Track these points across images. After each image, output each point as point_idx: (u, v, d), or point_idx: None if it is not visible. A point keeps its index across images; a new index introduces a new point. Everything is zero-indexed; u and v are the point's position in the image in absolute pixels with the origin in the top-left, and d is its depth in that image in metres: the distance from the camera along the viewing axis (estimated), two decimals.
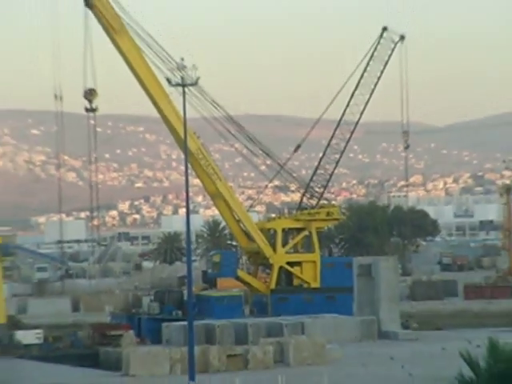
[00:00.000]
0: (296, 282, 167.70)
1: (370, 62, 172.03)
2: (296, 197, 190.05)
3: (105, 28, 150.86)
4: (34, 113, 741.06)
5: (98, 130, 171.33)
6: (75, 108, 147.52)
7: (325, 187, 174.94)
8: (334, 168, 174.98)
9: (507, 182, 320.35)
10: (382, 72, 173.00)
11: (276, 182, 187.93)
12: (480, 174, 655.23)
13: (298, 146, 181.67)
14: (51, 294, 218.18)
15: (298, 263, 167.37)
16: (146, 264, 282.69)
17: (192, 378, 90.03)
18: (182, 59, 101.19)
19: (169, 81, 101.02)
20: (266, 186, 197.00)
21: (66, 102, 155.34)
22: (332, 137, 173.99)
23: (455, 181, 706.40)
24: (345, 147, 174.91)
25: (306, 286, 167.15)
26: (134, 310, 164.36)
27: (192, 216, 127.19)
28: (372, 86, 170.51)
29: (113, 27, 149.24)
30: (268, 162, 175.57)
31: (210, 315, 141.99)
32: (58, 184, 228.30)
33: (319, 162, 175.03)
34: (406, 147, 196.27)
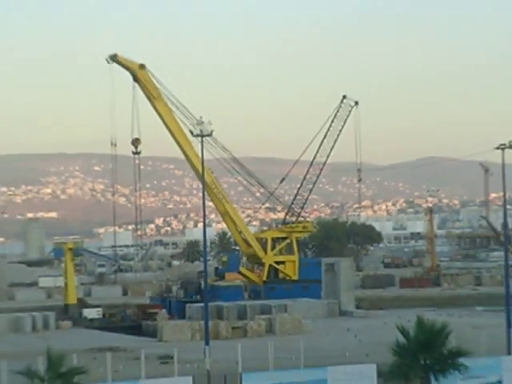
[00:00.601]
0: (281, 275, 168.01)
1: (334, 120, 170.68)
2: (281, 215, 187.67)
3: (146, 95, 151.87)
4: (96, 155, 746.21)
5: (142, 167, 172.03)
6: (125, 151, 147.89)
7: (302, 208, 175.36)
8: (308, 195, 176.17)
9: (430, 205, 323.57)
10: (342, 127, 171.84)
11: (267, 205, 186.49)
12: (411, 199, 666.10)
13: (283, 179, 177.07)
14: (108, 283, 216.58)
15: (283, 262, 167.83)
16: (175, 262, 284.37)
17: (207, 343, 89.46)
18: (201, 117, 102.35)
19: (191, 132, 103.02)
20: (260, 207, 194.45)
21: (119, 147, 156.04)
22: (307, 173, 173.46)
23: (394, 204, 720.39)
24: (316, 180, 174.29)
25: (288, 278, 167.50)
26: (165, 294, 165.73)
27: (207, 229, 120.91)
28: (335, 137, 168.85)
29: (152, 95, 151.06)
30: (261, 191, 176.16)
31: (219, 299, 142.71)
32: (112, 205, 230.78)
33: (298, 191, 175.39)
34: (359, 180, 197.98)
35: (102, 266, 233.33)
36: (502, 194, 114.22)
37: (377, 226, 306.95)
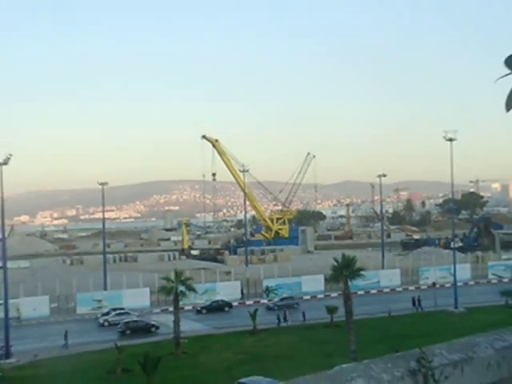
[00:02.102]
0: (280, 235, 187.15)
1: (303, 166, 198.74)
2: (279, 208, 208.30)
3: (219, 153, 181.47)
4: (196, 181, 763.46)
5: (216, 186, 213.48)
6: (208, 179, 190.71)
7: (289, 204, 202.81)
8: (292, 197, 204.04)
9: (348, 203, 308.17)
10: (306, 170, 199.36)
11: (273, 203, 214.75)
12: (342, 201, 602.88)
13: (280, 191, 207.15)
14: (202, 239, 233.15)
15: (281, 229, 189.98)
16: (232, 229, 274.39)
17: (246, 265, 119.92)
18: (244, 164, 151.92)
19: (246, 169, 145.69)
20: (270, 205, 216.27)
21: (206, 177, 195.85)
22: (291, 189, 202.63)
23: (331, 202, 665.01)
24: (296, 191, 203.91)
25: (283, 236, 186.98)
26: (228, 244, 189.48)
27: (246, 214, 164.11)
28: (302, 175, 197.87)
29: (219, 152, 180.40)
30: (269, 197, 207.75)
31: (253, 245, 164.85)
32: (203, 203, 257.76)
33: (287, 196, 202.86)
34: (316, 191, 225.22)
35: (199, 231, 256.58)
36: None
37: (324, 212, 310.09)
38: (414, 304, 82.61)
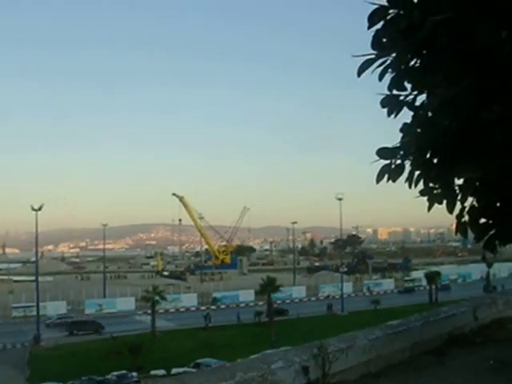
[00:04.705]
0: (224, 262, 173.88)
1: (241, 216, 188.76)
2: (224, 243, 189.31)
3: (183, 204, 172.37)
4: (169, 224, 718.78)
5: (183, 227, 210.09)
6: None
7: (231, 241, 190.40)
8: (233, 236, 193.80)
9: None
10: (242, 218, 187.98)
11: (220, 240, 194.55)
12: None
13: (225, 232, 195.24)
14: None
15: (225, 257, 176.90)
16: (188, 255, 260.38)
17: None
18: (200, 213, 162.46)
19: (202, 216, 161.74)
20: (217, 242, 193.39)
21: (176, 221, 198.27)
22: (232, 232, 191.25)
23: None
24: (235, 234, 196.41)
25: (227, 263, 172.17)
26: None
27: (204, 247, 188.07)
28: (240, 221, 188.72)
29: (184, 205, 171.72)
30: (217, 236, 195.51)
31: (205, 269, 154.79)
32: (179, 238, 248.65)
33: (230, 236, 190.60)
34: (249, 231, 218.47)
35: (169, 259, 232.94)
36: None
37: (254, 247, 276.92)
38: (328, 308, 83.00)
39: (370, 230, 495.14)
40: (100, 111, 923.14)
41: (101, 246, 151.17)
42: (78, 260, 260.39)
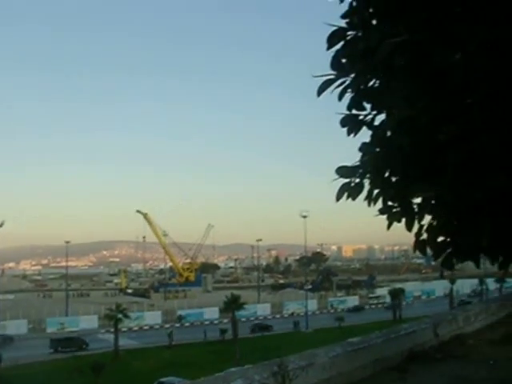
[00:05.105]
0: (189, 279, 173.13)
1: (205, 233, 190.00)
2: (189, 260, 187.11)
3: (147, 221, 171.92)
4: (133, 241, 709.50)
5: (147, 244, 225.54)
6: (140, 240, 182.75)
7: (196, 258, 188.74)
8: (198, 253, 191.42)
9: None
10: (207, 235, 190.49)
11: (185, 257, 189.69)
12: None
13: (189, 249, 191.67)
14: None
15: (189, 275, 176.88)
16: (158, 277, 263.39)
17: None
18: (164, 230, 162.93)
19: (166, 233, 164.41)
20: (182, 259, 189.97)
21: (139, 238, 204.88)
22: (196, 249, 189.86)
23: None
24: (199, 251, 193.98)
25: (191, 280, 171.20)
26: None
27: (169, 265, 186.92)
28: (205, 238, 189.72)
29: (148, 222, 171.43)
30: (182, 253, 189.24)
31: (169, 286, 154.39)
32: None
33: (194, 253, 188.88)
34: (214, 249, 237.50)
35: (133, 276, 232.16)
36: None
37: (219, 264, 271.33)
38: (295, 325, 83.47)
39: (334, 248, 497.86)
40: (62, 127, 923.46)
41: (64, 264, 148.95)
42: (39, 278, 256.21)
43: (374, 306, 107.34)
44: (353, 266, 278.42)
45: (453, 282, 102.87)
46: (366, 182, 4.38)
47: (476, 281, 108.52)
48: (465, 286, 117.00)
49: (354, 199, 4.40)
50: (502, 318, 14.26)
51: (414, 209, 4.39)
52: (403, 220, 4.42)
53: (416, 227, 4.42)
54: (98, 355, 59.14)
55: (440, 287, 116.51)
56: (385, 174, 4.35)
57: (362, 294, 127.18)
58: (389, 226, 4.48)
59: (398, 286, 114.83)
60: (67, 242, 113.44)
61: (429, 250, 4.55)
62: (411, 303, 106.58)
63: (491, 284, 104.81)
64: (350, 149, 4.80)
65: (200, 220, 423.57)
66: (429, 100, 3.74)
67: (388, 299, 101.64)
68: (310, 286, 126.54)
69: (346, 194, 4.38)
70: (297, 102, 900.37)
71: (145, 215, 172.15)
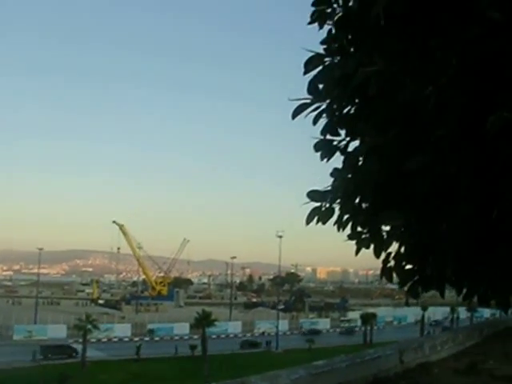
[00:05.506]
0: (161, 293, 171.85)
1: (180, 247, 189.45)
2: (162, 274, 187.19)
3: (123, 234, 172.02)
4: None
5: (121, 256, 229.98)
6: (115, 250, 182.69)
7: (169, 272, 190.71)
8: (172, 268, 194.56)
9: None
10: (182, 250, 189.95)
11: (158, 271, 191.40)
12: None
13: (164, 263, 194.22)
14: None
15: (162, 288, 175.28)
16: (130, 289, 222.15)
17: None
18: (139, 242, 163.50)
19: (141, 246, 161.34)
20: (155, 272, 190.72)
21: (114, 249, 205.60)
22: (170, 263, 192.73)
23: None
24: (173, 265, 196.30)
25: (164, 294, 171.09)
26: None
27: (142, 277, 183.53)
28: (179, 253, 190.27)
29: (124, 233, 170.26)
30: (156, 267, 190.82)
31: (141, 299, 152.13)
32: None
33: (168, 267, 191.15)
34: (189, 264, 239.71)
35: (105, 287, 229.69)
36: None
37: (193, 280, 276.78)
38: (266, 344, 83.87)
39: (309, 269, 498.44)
40: (36, 134, 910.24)
41: (35, 270, 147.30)
42: (10, 283, 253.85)
43: (331, 330, 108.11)
44: (326, 289, 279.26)
45: (425, 308, 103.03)
46: (337, 207, 4.41)
47: (448, 309, 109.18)
48: (437, 313, 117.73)
49: (324, 223, 4.42)
50: (469, 347, 14.35)
51: (382, 236, 4.43)
52: (371, 246, 4.46)
53: (384, 254, 4.47)
54: (64, 365, 58.58)
55: (412, 313, 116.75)
56: (355, 200, 4.38)
57: (334, 316, 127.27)
58: (357, 252, 4.50)
59: (371, 310, 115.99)
60: (40, 249, 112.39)
61: (395, 277, 4.60)
62: (382, 328, 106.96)
63: (463, 312, 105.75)
64: (323, 172, 4.83)
65: (176, 234, 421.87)
66: (399, 130, 3.81)
67: (359, 323, 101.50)
68: (282, 306, 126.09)
69: (316, 218, 4.40)
70: (276, 121, 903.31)
71: (121, 226, 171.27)
